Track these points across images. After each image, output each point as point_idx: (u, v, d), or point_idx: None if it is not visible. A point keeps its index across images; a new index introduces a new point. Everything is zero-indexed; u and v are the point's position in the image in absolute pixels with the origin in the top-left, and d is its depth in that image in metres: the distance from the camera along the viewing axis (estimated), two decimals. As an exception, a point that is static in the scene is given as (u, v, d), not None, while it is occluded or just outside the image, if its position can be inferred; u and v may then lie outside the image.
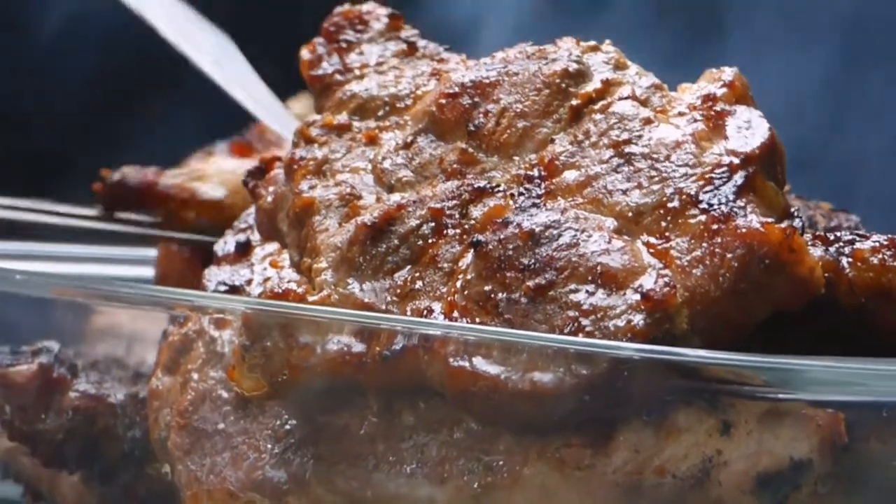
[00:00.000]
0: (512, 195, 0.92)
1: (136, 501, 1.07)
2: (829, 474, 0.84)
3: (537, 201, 0.90)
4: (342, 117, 1.01)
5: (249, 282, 1.01)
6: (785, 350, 0.83)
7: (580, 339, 0.83)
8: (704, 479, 0.84)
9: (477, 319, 0.86)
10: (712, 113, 0.91)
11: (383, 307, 0.89)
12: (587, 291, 0.85)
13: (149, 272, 1.32)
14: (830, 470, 0.84)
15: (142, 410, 1.05)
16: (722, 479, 0.84)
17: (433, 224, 0.92)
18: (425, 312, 0.88)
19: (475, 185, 0.93)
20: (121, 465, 1.07)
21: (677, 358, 0.81)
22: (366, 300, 0.90)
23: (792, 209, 0.89)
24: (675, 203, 0.87)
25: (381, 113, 1.01)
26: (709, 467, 0.84)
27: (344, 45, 1.06)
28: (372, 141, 0.99)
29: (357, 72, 1.04)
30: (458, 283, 0.88)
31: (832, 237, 0.88)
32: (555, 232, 0.88)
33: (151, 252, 1.30)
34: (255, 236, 1.05)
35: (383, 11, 1.08)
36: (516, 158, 0.94)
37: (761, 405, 0.83)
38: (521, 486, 0.85)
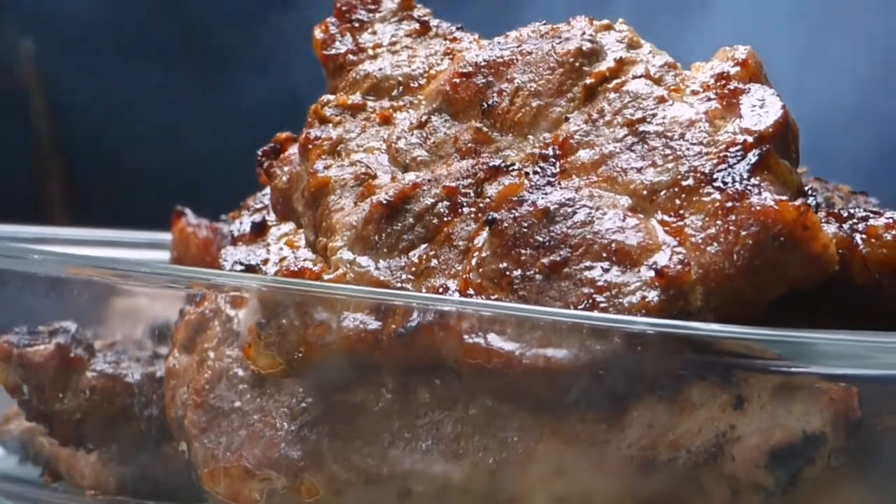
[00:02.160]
0: (527, 174, 0.92)
1: (153, 480, 1.08)
2: (842, 448, 0.84)
3: (552, 180, 0.91)
4: (356, 97, 1.01)
5: (265, 261, 1.01)
6: (798, 326, 0.83)
7: (593, 314, 0.83)
8: (718, 454, 0.84)
9: (492, 297, 0.86)
10: (726, 91, 0.91)
11: (399, 285, 0.89)
12: (602, 268, 0.85)
13: (164, 255, 1.33)
14: (843, 444, 0.84)
15: (158, 389, 1.06)
16: (735, 453, 0.84)
17: (448, 202, 0.92)
18: (440, 290, 0.88)
19: (490, 164, 0.93)
20: (138, 444, 1.07)
21: (690, 332, 0.81)
22: (381, 278, 0.90)
23: (806, 187, 0.89)
24: (690, 181, 0.87)
25: (394, 93, 1.01)
26: (722, 442, 0.84)
27: (356, 24, 1.06)
28: (386, 121, 0.99)
29: (370, 51, 1.04)
30: (474, 261, 0.88)
31: (846, 214, 0.88)
32: (569, 210, 0.88)
33: (167, 236, 1.30)
34: (271, 216, 1.05)
35: (395, -10, 1.08)
36: (531, 137, 0.95)
37: (774, 379, 0.83)
38: (535, 461, 0.85)
